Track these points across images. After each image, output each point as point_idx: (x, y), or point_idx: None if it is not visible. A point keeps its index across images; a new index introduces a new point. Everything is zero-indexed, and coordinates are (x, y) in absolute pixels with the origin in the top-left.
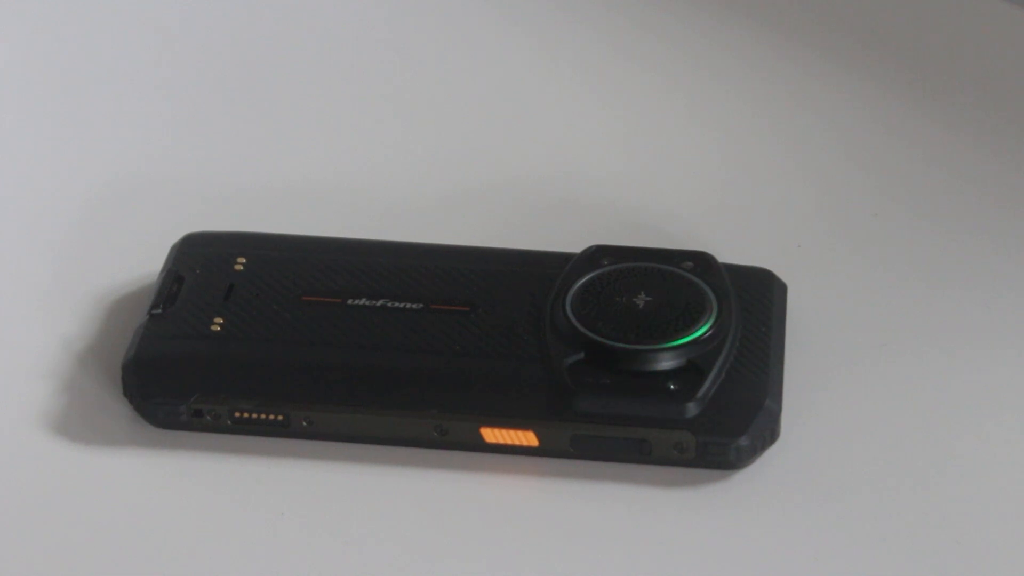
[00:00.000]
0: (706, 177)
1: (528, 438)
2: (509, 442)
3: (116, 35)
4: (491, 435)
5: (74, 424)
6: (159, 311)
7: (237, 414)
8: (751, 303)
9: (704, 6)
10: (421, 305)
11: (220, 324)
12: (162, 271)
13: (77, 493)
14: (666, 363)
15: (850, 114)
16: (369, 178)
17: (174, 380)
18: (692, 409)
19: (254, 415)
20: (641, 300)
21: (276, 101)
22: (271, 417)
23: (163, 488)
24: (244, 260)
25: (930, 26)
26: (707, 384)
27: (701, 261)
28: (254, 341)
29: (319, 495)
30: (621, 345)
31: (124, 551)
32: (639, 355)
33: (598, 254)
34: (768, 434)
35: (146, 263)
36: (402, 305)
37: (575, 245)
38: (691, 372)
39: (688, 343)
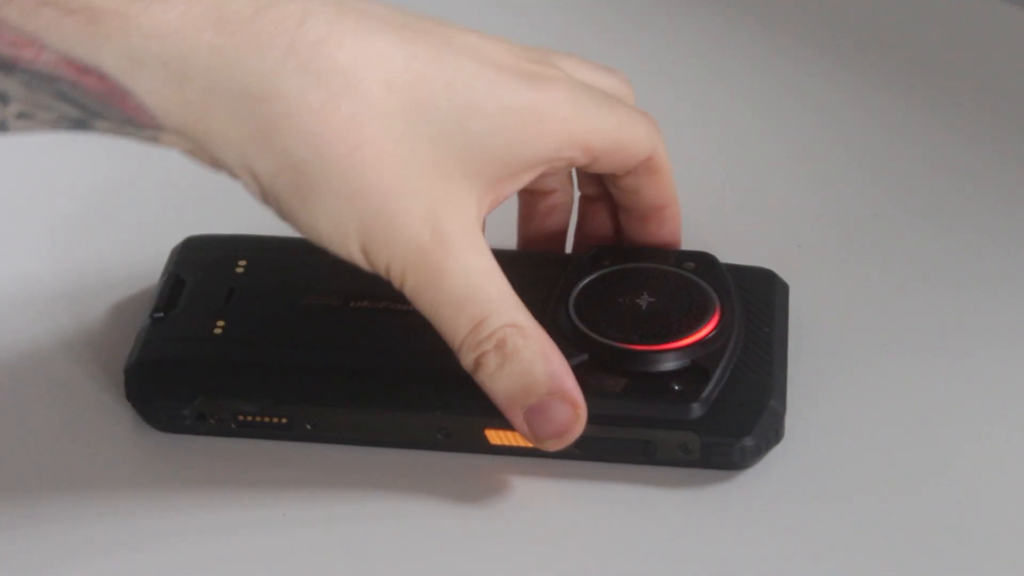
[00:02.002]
0: (707, 177)
1: None
2: (513, 443)
3: None
4: (495, 437)
5: (77, 428)
6: (161, 314)
7: (240, 417)
8: (753, 303)
9: (706, 6)
10: None
11: (222, 327)
12: (163, 274)
13: (80, 497)
14: (670, 364)
15: (851, 114)
16: None
17: (177, 383)
18: (696, 410)
19: (257, 418)
20: (644, 301)
21: None
22: (274, 420)
23: (166, 492)
24: (245, 263)
25: (930, 26)
26: (711, 385)
27: (703, 262)
28: (256, 344)
29: (323, 498)
30: (625, 346)
31: (127, 554)
32: (643, 356)
33: (600, 255)
34: (772, 434)
35: (147, 266)
36: (404, 307)
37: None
38: (695, 373)
39: (692, 344)
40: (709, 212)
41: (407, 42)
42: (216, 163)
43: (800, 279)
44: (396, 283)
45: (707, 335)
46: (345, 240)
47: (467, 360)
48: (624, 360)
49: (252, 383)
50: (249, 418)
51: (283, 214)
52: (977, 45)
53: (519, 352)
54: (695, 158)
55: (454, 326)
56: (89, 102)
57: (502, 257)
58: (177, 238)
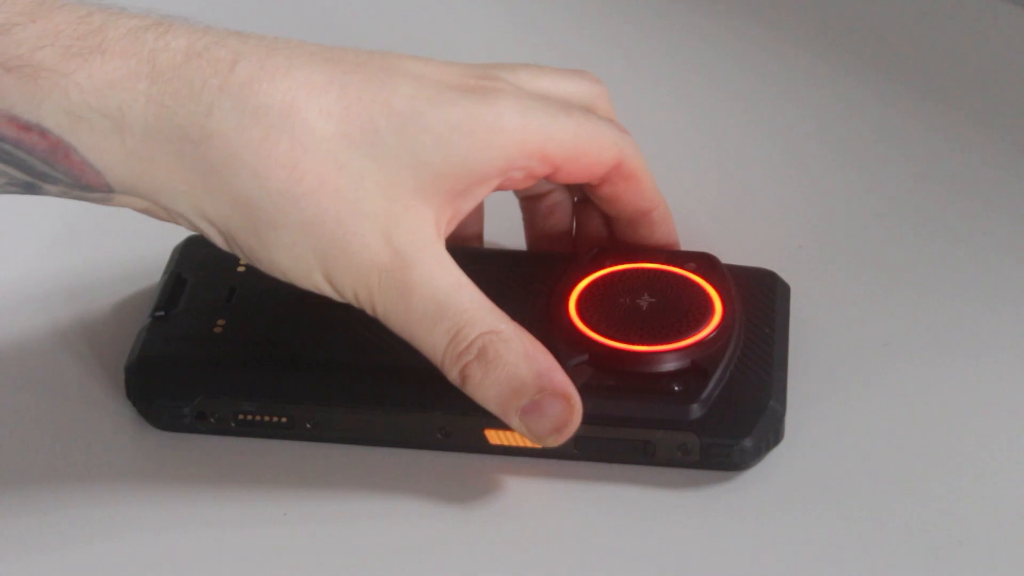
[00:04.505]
0: (708, 178)
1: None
2: (513, 443)
3: None
4: (495, 437)
5: (77, 426)
6: (162, 313)
7: (241, 416)
8: (754, 304)
9: (707, 7)
10: None
11: (223, 326)
12: (164, 273)
13: (80, 496)
14: (670, 364)
15: (852, 115)
16: None
17: (177, 382)
18: (696, 411)
19: (257, 417)
20: (644, 301)
21: None
22: (275, 419)
23: (166, 490)
24: (246, 262)
25: (931, 26)
26: (711, 385)
27: (704, 262)
28: (257, 343)
29: (323, 497)
30: (625, 347)
31: (127, 554)
32: (643, 357)
33: (601, 255)
34: (772, 435)
35: (149, 265)
36: None
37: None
38: (695, 373)
39: (692, 344)
40: (710, 213)
41: (341, 72)
42: (172, 216)
43: (801, 280)
44: (368, 309)
45: (707, 336)
46: (308, 273)
47: (452, 374)
48: (624, 360)
49: (252, 382)
50: (249, 417)
51: (246, 255)
52: (977, 45)
53: (501, 357)
54: (696, 159)
55: (432, 342)
56: (34, 163)
57: (503, 257)
58: (179, 237)
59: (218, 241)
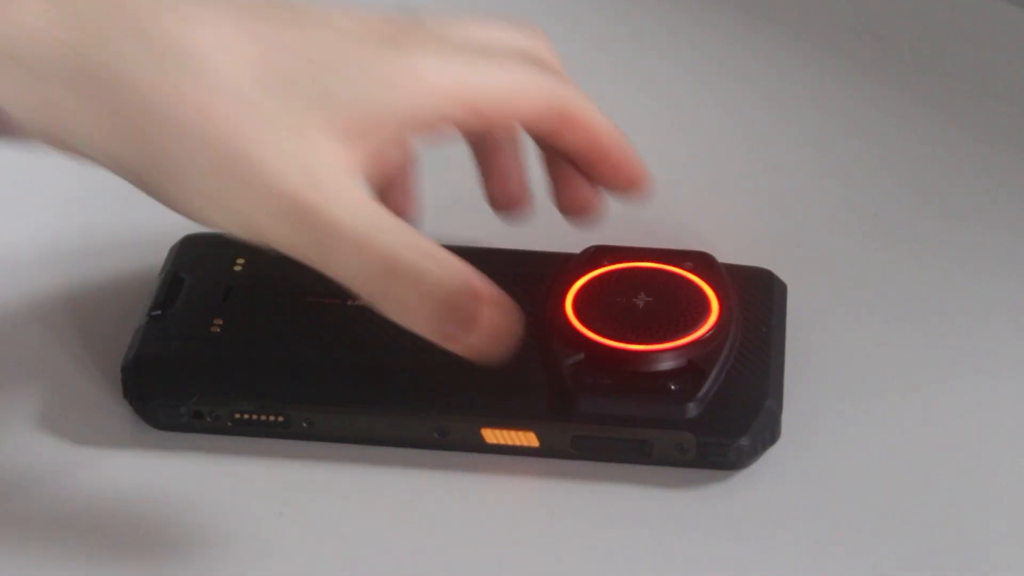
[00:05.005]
0: (706, 177)
1: (529, 439)
2: (510, 443)
3: None
4: (492, 436)
5: (74, 426)
6: (158, 312)
7: (237, 415)
8: (751, 303)
9: (704, 7)
10: None
11: (220, 325)
12: (161, 272)
13: (77, 495)
14: (666, 363)
15: (850, 114)
16: None
17: (174, 382)
18: (693, 409)
19: (254, 416)
20: (641, 300)
21: None
22: (271, 418)
23: (163, 490)
24: (243, 261)
25: (931, 26)
26: (708, 384)
27: (701, 261)
28: (254, 342)
29: (319, 496)
30: (621, 345)
31: (123, 553)
32: (639, 356)
33: (598, 254)
34: (769, 434)
35: (145, 264)
36: None
37: (575, 245)
38: (692, 372)
39: (688, 343)
40: (707, 212)
41: (256, 20)
42: (89, 161)
43: (798, 279)
44: (287, 247)
45: (704, 335)
46: (225, 215)
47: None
48: (620, 359)
49: (249, 381)
50: (246, 416)
51: (163, 201)
52: (977, 45)
53: (426, 274)
54: (693, 158)
55: (351, 273)
56: None
57: (499, 256)
58: (175, 236)
59: (134, 183)
